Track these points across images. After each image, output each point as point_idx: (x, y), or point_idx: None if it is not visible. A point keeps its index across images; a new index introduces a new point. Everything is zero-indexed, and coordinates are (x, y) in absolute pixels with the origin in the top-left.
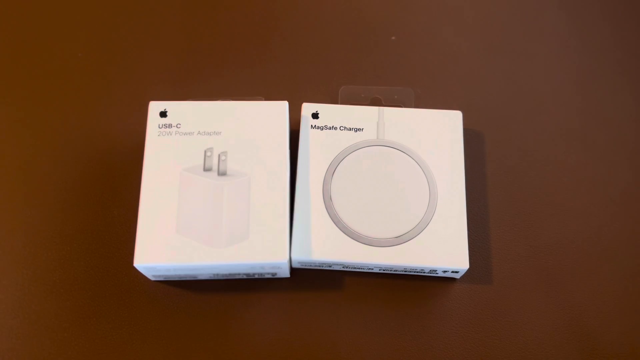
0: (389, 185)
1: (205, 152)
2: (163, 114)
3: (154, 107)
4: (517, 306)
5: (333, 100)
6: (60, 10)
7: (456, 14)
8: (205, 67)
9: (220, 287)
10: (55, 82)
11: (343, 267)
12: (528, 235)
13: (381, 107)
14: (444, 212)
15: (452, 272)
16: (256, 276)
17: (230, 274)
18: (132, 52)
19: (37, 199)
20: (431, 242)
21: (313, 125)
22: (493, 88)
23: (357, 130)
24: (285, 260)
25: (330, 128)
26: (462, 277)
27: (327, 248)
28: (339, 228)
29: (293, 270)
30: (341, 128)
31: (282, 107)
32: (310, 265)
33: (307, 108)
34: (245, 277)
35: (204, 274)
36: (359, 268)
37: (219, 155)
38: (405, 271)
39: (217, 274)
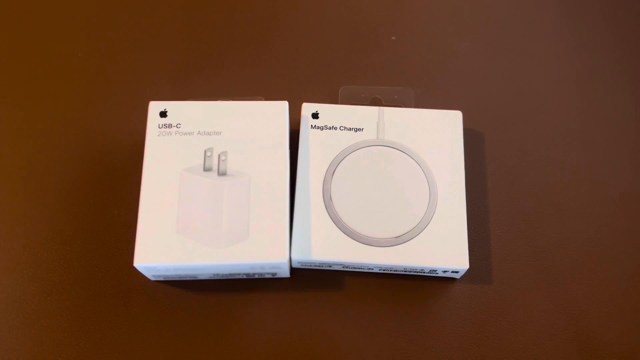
0: (389, 185)
1: (205, 152)
2: (163, 114)
3: (154, 107)
4: (517, 306)
5: (333, 100)
6: (60, 10)
7: (456, 14)
8: (205, 67)
9: (220, 287)
10: (55, 82)
11: (343, 267)
12: (528, 235)
13: (381, 107)
14: (444, 212)
15: (452, 272)
16: (256, 276)
17: (230, 274)
18: (132, 52)
19: (37, 199)
20: (431, 242)
21: (313, 125)
22: (493, 88)
23: (357, 130)
24: (285, 260)
25: (330, 128)
26: (462, 277)
27: (327, 248)
28: (339, 228)
29: (293, 270)
30: (341, 128)
31: (282, 107)
32: (310, 265)
33: (307, 108)
34: (245, 277)
35: (204, 274)
36: (359, 268)
37: (219, 155)
38: (405, 271)
39: (217, 274)
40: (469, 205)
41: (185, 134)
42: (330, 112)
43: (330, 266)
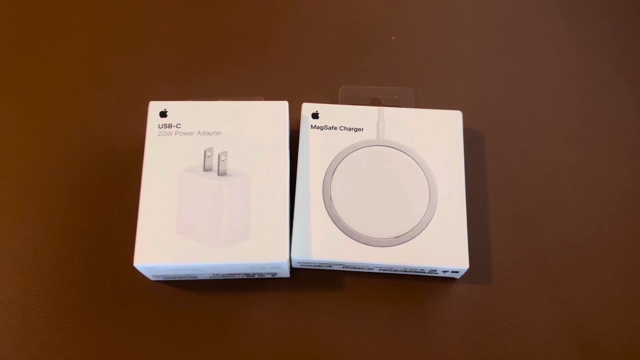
0: (389, 185)
1: (205, 152)
2: (163, 114)
3: (154, 107)
4: (517, 306)
5: (333, 100)
6: (60, 10)
7: (456, 14)
8: (205, 67)
9: (220, 287)
10: (55, 82)
11: (343, 267)
12: (528, 235)
13: (381, 107)
14: (444, 212)
15: (452, 272)
16: (256, 276)
17: (230, 274)
18: (132, 51)
19: (37, 199)
20: (431, 242)
21: (313, 125)
22: (493, 88)
23: (357, 130)
24: (285, 260)
25: (330, 128)
26: (462, 277)
27: (327, 248)
28: (338, 228)
29: (293, 270)
30: (341, 128)
31: (282, 107)
32: (310, 265)
33: (307, 108)
34: (245, 277)
35: (204, 274)
36: (359, 268)
37: (219, 155)
38: (405, 271)
39: (217, 274)
40: (469, 205)
41: (185, 134)
42: (330, 112)
43: (330, 266)
